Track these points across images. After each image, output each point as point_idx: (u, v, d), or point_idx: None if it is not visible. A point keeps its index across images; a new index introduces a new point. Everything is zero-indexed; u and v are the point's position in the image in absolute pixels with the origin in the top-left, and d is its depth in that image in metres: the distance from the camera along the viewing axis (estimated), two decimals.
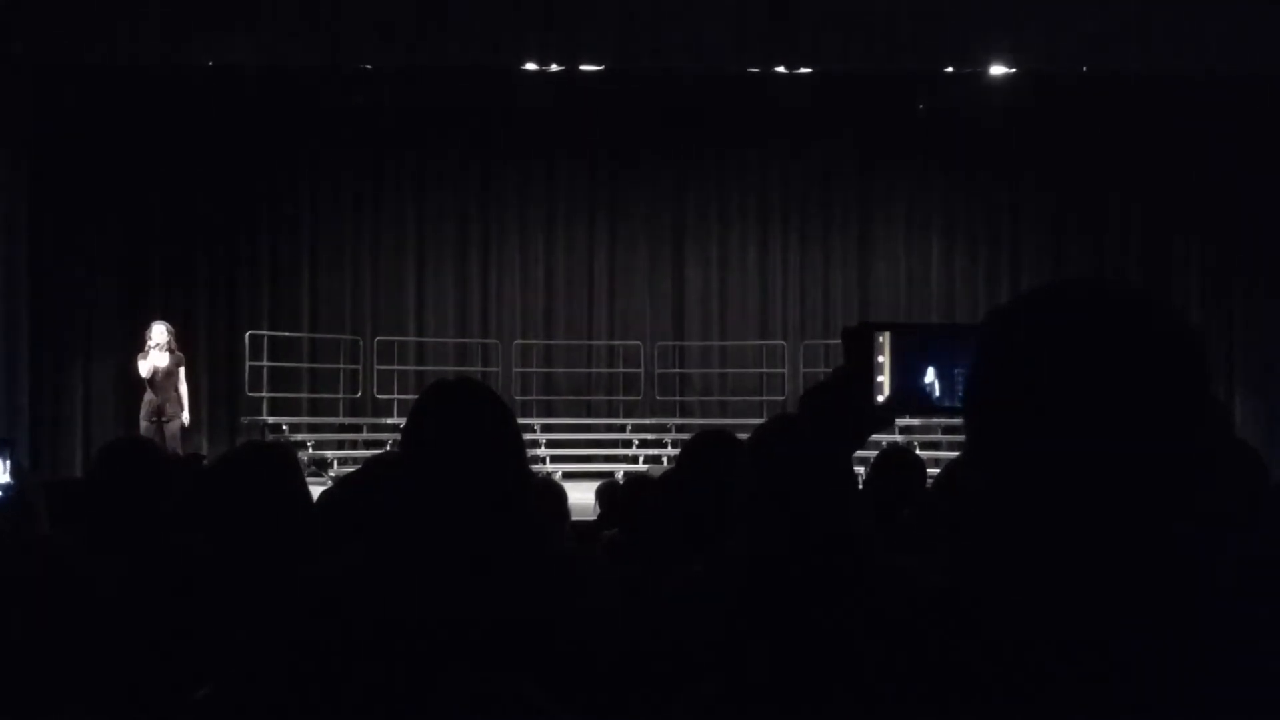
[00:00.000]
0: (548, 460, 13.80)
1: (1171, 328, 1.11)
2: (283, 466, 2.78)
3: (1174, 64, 12.58)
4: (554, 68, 13.65)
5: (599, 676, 1.97)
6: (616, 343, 15.77)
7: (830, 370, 2.01)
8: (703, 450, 2.97)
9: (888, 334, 1.82)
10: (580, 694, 1.92)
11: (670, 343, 15.74)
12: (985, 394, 1.16)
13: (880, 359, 1.81)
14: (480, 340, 15.72)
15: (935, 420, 13.97)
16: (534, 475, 3.02)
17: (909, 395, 1.81)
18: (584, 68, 13.65)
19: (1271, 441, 13.21)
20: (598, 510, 5.18)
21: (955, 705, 1.11)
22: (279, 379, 14.53)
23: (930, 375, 1.82)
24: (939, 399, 1.82)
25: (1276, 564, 2.17)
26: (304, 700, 1.89)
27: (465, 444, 2.07)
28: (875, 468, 4.25)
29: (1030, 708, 1.08)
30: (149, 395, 11.12)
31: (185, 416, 11.32)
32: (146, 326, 11.32)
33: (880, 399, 1.81)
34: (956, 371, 1.83)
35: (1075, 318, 1.12)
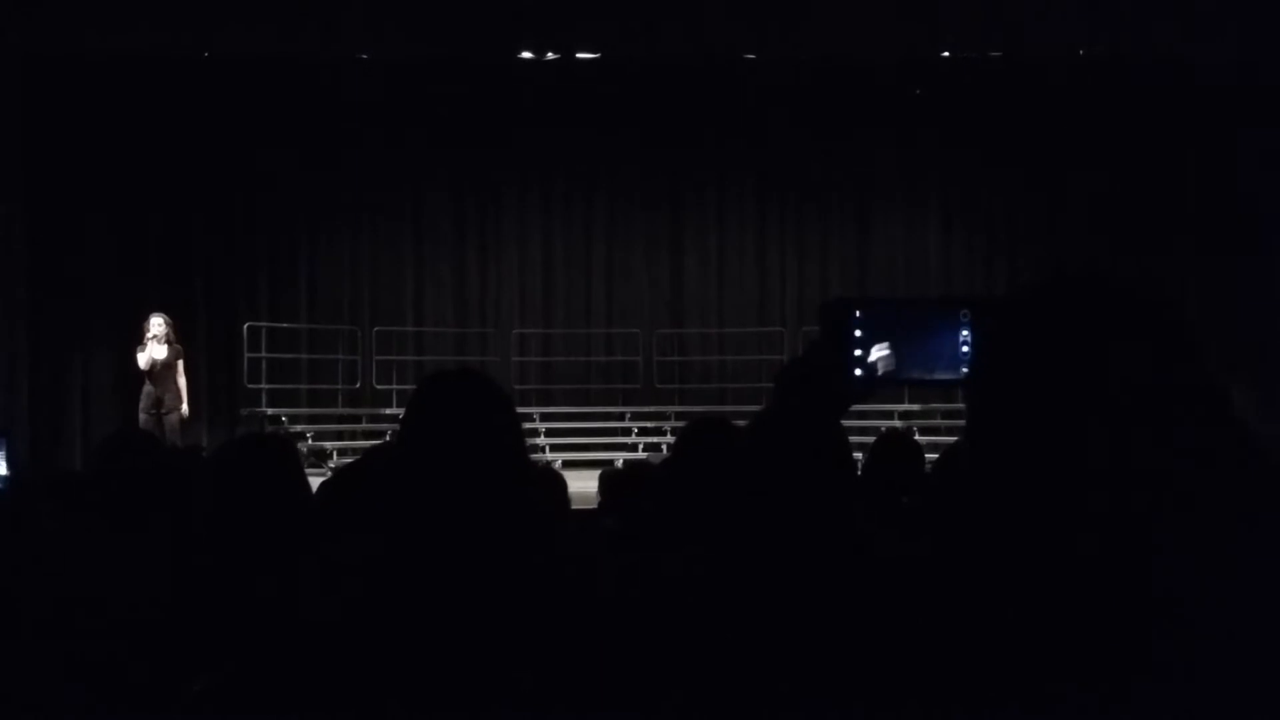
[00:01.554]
0: (547, 449, 13.82)
1: (1167, 321, 1.13)
2: (282, 458, 2.78)
3: (1173, 47, 12.58)
4: (550, 56, 13.64)
5: (599, 667, 1.97)
6: (615, 331, 15.78)
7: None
8: (699, 437, 2.97)
9: (861, 308, 1.85)
10: (580, 685, 1.92)
11: (669, 330, 15.76)
12: (993, 380, 1.17)
13: (858, 332, 1.84)
14: (479, 330, 15.73)
15: (934, 405, 14.00)
16: (534, 464, 3.02)
17: (882, 371, 1.84)
18: (580, 55, 13.64)
19: (1272, 433, 13.20)
20: (599, 498, 5.17)
21: (948, 688, 1.12)
22: (278, 370, 14.53)
23: (903, 348, 1.84)
24: (909, 372, 1.85)
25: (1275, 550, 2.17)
26: (303, 691, 1.89)
27: (465, 434, 2.06)
28: (874, 454, 4.23)
29: (1024, 692, 1.08)
30: (148, 387, 11.11)
31: (184, 409, 11.30)
32: (145, 318, 11.29)
33: (858, 372, 1.83)
34: (929, 343, 1.85)
35: (1080, 311, 1.14)
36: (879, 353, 1.82)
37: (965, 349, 1.84)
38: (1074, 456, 1.09)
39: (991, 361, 1.19)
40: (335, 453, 13.25)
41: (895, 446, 4.33)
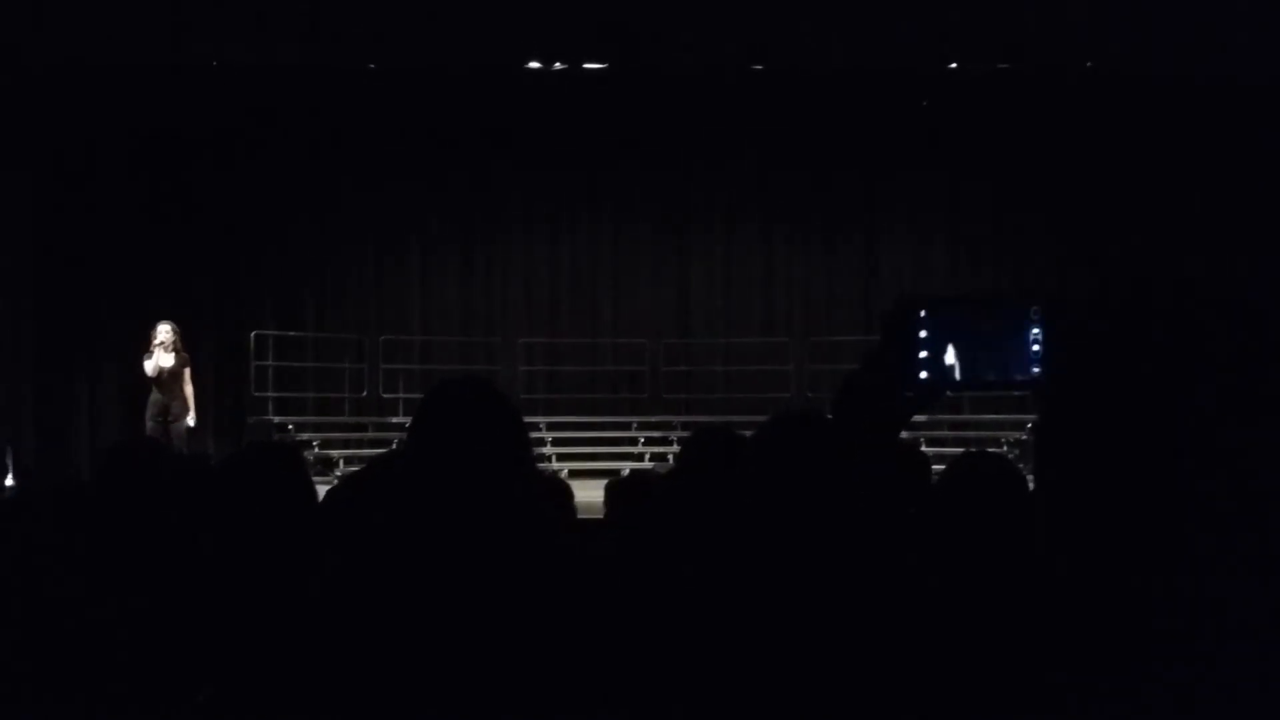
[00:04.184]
0: (554, 459, 13.82)
1: (1251, 323, 1.16)
2: (289, 467, 2.78)
3: (1179, 63, 12.54)
4: (557, 66, 13.66)
5: (604, 675, 1.97)
6: (621, 340, 15.77)
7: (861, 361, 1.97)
8: (703, 448, 2.98)
9: (926, 309, 1.75)
10: (585, 692, 1.92)
11: (675, 340, 15.75)
12: (1079, 382, 1.19)
13: (923, 333, 1.74)
14: (485, 339, 15.73)
15: (941, 416, 13.95)
16: (541, 473, 3.02)
17: (950, 373, 1.75)
18: (587, 65, 13.65)
19: None
20: (605, 508, 5.16)
21: (957, 697, 1.11)
22: (285, 379, 14.54)
23: (973, 350, 1.75)
24: (982, 374, 1.75)
25: None
26: (308, 697, 1.89)
27: (471, 443, 2.07)
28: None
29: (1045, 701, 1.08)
30: (155, 395, 11.10)
31: (191, 418, 11.29)
32: (152, 326, 11.28)
33: (924, 375, 1.74)
34: (1000, 343, 1.75)
35: (1170, 313, 1.16)
36: (971, 354, 1.73)
37: (1036, 348, 1.72)
38: (1168, 456, 1.10)
39: (1076, 363, 1.19)
40: (342, 461, 13.25)
41: (902, 458, 4.32)
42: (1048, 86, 13.93)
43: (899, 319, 1.73)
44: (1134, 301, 1.18)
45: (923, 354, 1.72)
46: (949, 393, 1.86)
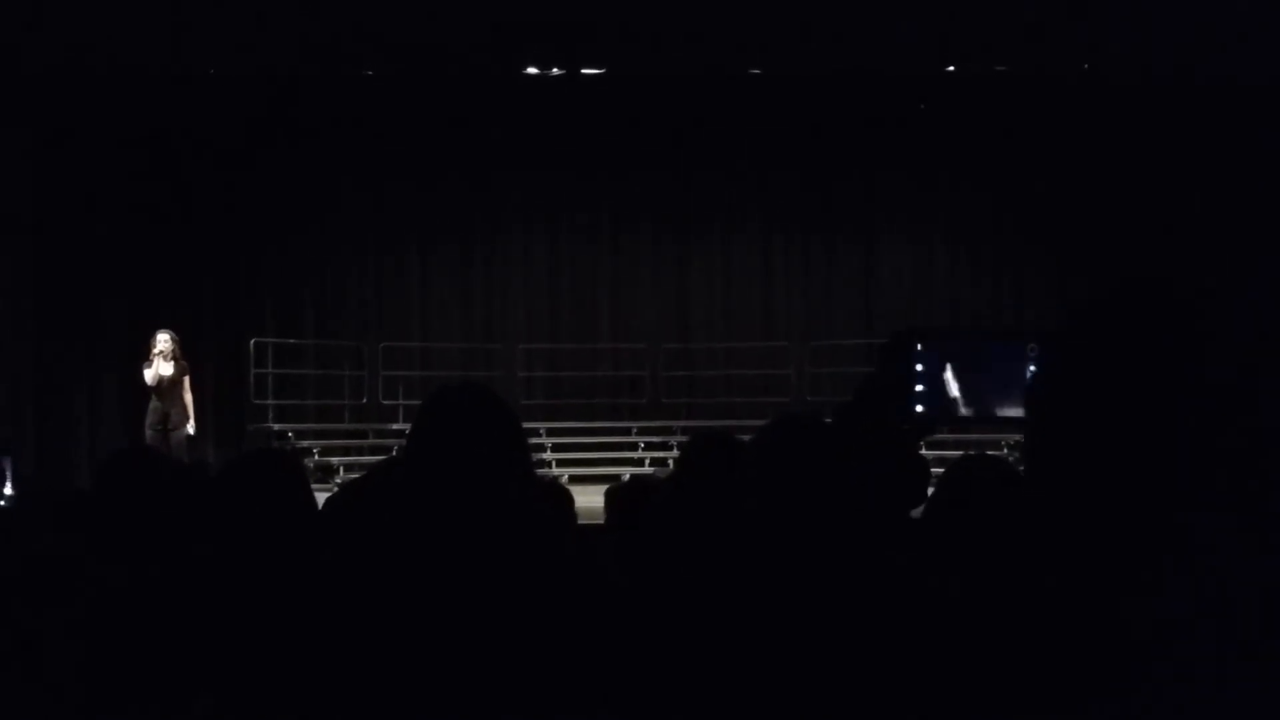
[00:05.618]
0: (554, 464, 13.82)
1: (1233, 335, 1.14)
2: (288, 474, 2.78)
3: (1179, 63, 12.54)
4: (555, 72, 13.66)
5: (605, 678, 1.97)
6: (621, 345, 15.77)
7: (866, 375, 1.96)
8: (702, 453, 2.98)
9: (924, 341, 1.75)
10: (586, 697, 1.92)
11: (675, 345, 15.74)
12: (1056, 411, 1.18)
13: (919, 367, 1.74)
14: (485, 345, 15.73)
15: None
16: (541, 479, 3.02)
17: (945, 407, 1.75)
18: (585, 71, 13.66)
19: None
20: (605, 513, 5.15)
21: (957, 700, 1.11)
22: (284, 386, 14.54)
23: (969, 383, 1.75)
24: (979, 408, 1.75)
25: None
26: (309, 705, 1.89)
27: (471, 449, 2.06)
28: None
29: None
30: (154, 403, 11.10)
31: (190, 426, 11.29)
32: (151, 335, 11.28)
33: (919, 409, 1.74)
34: (995, 378, 1.75)
35: (1145, 334, 1.15)
36: (969, 388, 1.73)
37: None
38: (1167, 457, 1.09)
39: (1054, 393, 1.18)
40: (341, 468, 13.24)
41: (902, 461, 4.31)
42: (1046, 88, 13.93)
43: (896, 351, 1.72)
44: (1125, 308, 1.17)
45: (919, 387, 1.72)
46: (944, 427, 1.86)
